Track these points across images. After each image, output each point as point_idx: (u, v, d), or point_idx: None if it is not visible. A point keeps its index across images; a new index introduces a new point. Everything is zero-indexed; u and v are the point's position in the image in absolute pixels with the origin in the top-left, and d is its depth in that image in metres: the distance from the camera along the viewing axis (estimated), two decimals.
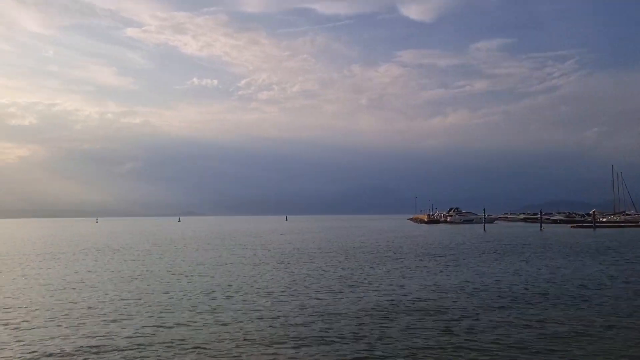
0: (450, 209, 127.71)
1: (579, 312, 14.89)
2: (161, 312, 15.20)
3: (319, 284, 20.55)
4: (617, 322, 13.48)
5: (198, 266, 28.07)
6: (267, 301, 16.88)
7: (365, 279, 22.14)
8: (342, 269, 26.03)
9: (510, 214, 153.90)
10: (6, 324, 13.88)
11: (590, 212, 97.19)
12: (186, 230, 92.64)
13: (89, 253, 38.61)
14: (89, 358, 10.75)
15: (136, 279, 22.91)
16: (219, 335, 12.44)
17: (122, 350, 11.27)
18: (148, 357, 10.82)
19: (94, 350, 11.26)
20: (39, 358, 10.81)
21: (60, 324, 13.85)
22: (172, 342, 11.84)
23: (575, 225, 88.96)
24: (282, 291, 18.90)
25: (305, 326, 13.31)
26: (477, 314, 14.70)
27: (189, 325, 13.50)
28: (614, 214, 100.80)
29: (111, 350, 11.22)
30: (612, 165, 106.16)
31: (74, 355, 10.96)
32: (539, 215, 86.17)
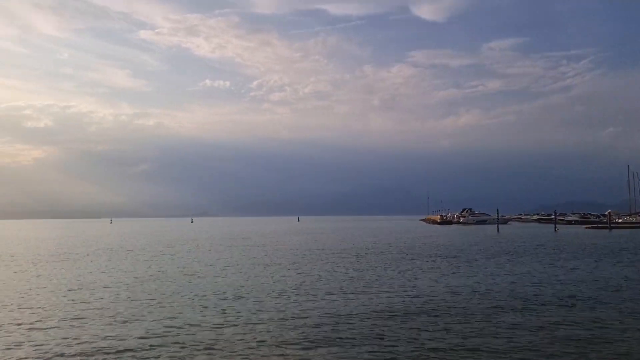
0: (463, 209, 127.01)
1: (595, 314, 14.67)
2: (173, 313, 15.25)
3: (331, 285, 20.49)
4: (634, 325, 13.27)
5: (210, 267, 28.16)
6: (278, 302, 16.87)
7: (377, 280, 22.04)
8: (354, 269, 25.95)
9: (524, 215, 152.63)
10: (20, 324, 14.01)
11: (606, 213, 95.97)
12: (199, 231, 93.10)
13: (102, 254, 38.94)
14: (101, 358, 10.82)
15: (149, 279, 23.03)
16: (231, 336, 12.44)
17: (134, 350, 11.31)
18: (159, 357, 10.86)
19: (106, 350, 11.31)
20: (51, 358, 10.88)
21: (73, 324, 13.95)
22: (184, 343, 11.86)
23: (590, 226, 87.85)
24: (294, 292, 18.88)
25: (316, 327, 13.26)
26: (490, 315, 14.55)
27: (200, 326, 13.52)
28: (630, 215, 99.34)
29: (123, 351, 11.27)
30: (628, 166, 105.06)
31: (86, 355, 11.01)
32: (553, 216, 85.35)
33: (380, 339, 12.11)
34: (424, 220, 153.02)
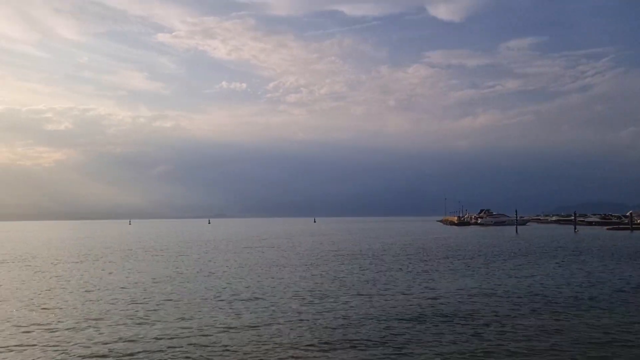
0: (481, 210, 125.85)
1: (615, 317, 14.40)
2: (189, 314, 15.33)
3: (346, 287, 20.43)
4: None
5: (227, 268, 28.29)
6: (294, 304, 16.87)
7: (393, 281, 21.93)
8: (370, 271, 25.86)
9: (543, 216, 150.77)
10: (40, 324, 14.21)
11: (627, 214, 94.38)
12: (216, 232, 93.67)
13: (121, 255, 39.35)
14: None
15: (166, 280, 23.20)
16: (247, 338, 12.46)
17: (150, 352, 11.38)
18: (175, 358, 10.92)
19: (122, 351, 11.41)
20: (68, 359, 11.02)
21: (90, 324, 14.08)
22: (200, 344, 11.91)
23: (611, 227, 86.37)
24: (309, 293, 18.87)
25: (332, 329, 13.22)
26: (508, 318, 14.37)
27: (216, 327, 13.56)
28: None
29: (139, 352, 11.35)
30: None
31: (103, 356, 11.13)
32: (573, 217, 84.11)
33: (396, 341, 12.03)
34: (441, 221, 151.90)
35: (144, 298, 18.34)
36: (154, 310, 16.07)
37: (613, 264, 28.34)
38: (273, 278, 23.58)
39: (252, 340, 12.21)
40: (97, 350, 11.55)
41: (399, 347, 11.54)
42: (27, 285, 22.08)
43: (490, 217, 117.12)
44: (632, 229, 76.92)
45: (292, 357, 10.96)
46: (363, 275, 24.36)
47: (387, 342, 11.94)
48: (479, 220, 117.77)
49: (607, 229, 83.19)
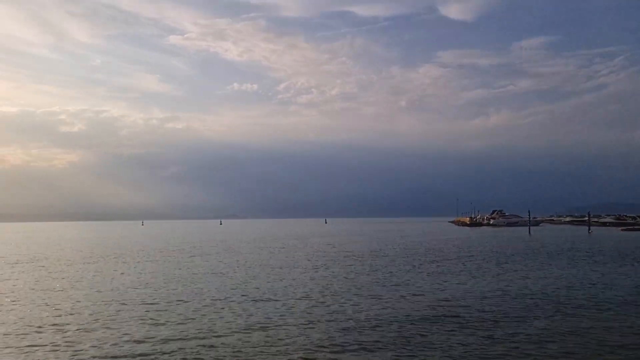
0: (494, 211, 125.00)
1: (630, 319, 14.20)
2: (201, 315, 15.37)
3: (357, 287, 20.37)
4: None
5: (238, 268, 28.35)
6: (305, 305, 16.84)
7: (404, 282, 21.82)
8: (382, 272, 25.76)
9: (556, 217, 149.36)
10: (52, 324, 14.31)
11: None
12: (227, 233, 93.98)
13: (133, 255, 39.61)
14: None
15: (178, 280, 23.28)
16: (257, 339, 12.46)
17: (162, 353, 11.43)
18: (186, 359, 10.95)
19: (133, 352, 11.47)
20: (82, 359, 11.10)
21: (102, 325, 14.16)
22: (211, 345, 11.93)
23: (625, 228, 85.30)
24: (321, 295, 18.83)
25: (343, 330, 13.18)
26: (521, 320, 14.23)
27: (228, 328, 13.58)
28: None
29: (149, 353, 11.40)
30: None
31: (115, 357, 11.20)
32: (586, 218, 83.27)
33: (408, 343, 11.96)
34: (453, 222, 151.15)
35: (155, 298, 18.42)
36: (165, 310, 16.13)
37: (628, 266, 27.99)
38: (284, 279, 23.58)
39: (263, 341, 12.20)
40: (107, 351, 11.61)
41: (410, 349, 11.47)
42: (41, 286, 22.29)
43: (503, 218, 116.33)
44: None
45: (303, 358, 10.94)
46: (374, 276, 24.27)
47: (398, 344, 11.87)
48: (491, 221, 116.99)
49: (622, 229, 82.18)
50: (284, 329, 13.42)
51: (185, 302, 17.69)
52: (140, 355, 11.26)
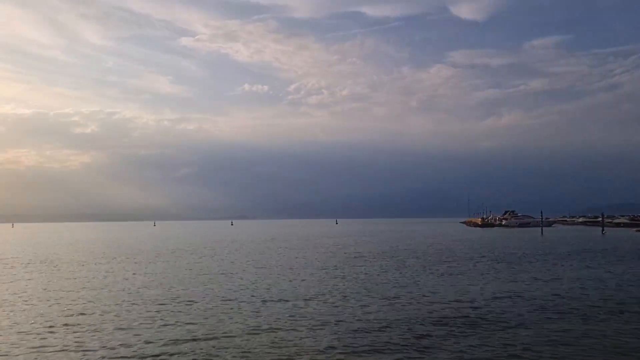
0: (506, 212, 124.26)
1: None
2: (211, 315, 15.36)
3: (368, 289, 20.27)
4: None
5: (249, 269, 28.36)
6: (316, 305, 16.78)
7: (416, 284, 21.68)
8: (393, 273, 25.63)
9: (569, 217, 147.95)
10: (64, 325, 14.39)
11: None
12: (238, 234, 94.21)
13: (145, 256, 39.81)
14: None
15: (188, 281, 23.33)
16: (268, 340, 12.42)
17: (172, 354, 11.43)
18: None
19: (144, 352, 11.49)
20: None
21: (113, 325, 14.21)
22: (222, 346, 11.91)
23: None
24: (331, 296, 18.76)
25: (354, 332, 13.10)
26: (534, 322, 14.05)
27: (238, 329, 13.55)
28: None
29: (159, 353, 11.40)
30: None
31: (126, 357, 11.21)
32: (600, 219, 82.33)
33: (419, 345, 11.85)
34: (464, 222, 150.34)
35: (166, 299, 18.46)
36: (175, 311, 16.15)
37: None
38: (294, 280, 23.54)
39: (273, 343, 12.16)
40: (117, 351, 11.63)
41: (421, 351, 11.36)
42: (53, 287, 22.44)
43: (515, 219, 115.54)
44: None
45: (312, 359, 10.88)
46: (385, 277, 24.15)
47: (410, 346, 11.76)
48: (503, 222, 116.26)
49: (636, 230, 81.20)
50: (294, 330, 13.36)
51: (196, 302, 17.71)
52: (150, 355, 11.27)
